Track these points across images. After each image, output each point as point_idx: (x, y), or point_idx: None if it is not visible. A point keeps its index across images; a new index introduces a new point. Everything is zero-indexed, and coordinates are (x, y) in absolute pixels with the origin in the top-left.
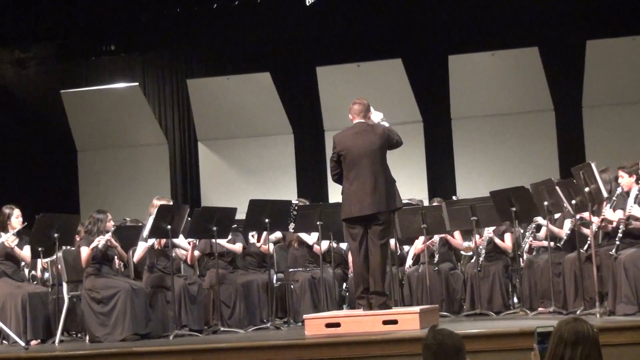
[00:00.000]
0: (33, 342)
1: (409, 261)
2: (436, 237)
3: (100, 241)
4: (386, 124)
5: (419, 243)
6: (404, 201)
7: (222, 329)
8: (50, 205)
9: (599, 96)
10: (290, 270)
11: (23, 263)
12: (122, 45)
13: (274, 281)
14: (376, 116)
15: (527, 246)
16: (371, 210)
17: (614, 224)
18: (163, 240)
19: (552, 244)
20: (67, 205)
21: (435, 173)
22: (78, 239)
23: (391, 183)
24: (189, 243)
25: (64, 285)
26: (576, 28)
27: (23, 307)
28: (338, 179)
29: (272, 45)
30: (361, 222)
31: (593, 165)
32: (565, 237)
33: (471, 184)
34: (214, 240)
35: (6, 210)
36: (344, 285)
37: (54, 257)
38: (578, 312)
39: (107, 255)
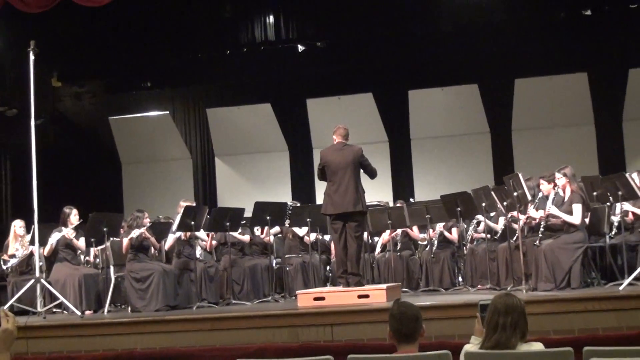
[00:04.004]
0: (87, 312)
1: (378, 249)
2: (399, 231)
3: (135, 233)
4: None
5: (386, 235)
6: (373, 203)
7: (233, 301)
8: (101, 206)
9: (525, 122)
10: (286, 256)
11: (79, 251)
12: (157, 82)
13: (274, 265)
14: None
15: (469, 238)
16: (342, 209)
17: (537, 221)
18: (188, 233)
19: (488, 236)
20: (114, 206)
21: (398, 181)
22: (122, 232)
23: (360, 191)
24: (208, 235)
25: (111, 268)
26: (507, 69)
27: (79, 285)
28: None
29: (272, 82)
30: (341, 219)
31: (520, 175)
32: (500, 231)
33: (426, 190)
34: (227, 232)
35: (66, 210)
36: (328, 267)
37: (104, 246)
38: (508, 289)
39: (143, 245)
